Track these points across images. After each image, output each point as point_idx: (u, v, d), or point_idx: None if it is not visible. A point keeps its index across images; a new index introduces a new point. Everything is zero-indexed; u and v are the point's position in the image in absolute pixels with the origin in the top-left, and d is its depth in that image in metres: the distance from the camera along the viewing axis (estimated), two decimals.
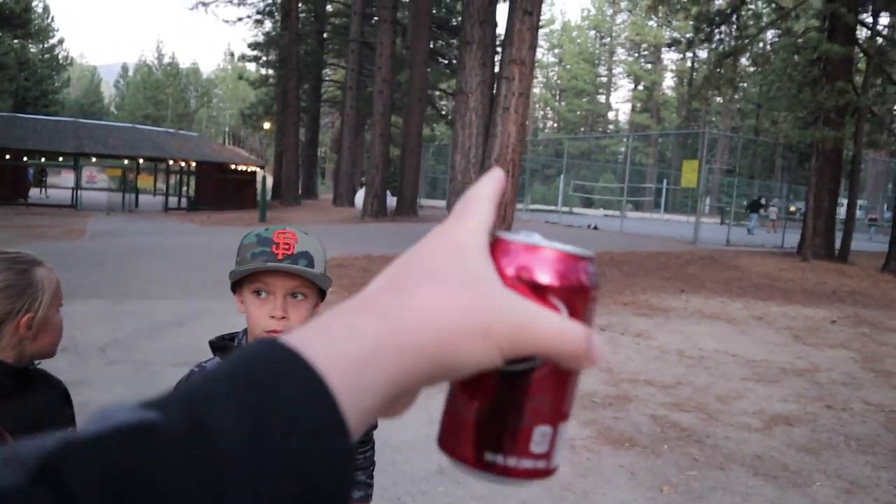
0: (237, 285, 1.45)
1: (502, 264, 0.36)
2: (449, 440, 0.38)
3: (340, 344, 0.31)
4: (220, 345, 1.50)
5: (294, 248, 1.40)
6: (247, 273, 1.40)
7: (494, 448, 0.36)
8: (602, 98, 79.79)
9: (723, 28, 19.68)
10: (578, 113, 76.72)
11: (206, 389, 0.29)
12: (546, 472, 0.37)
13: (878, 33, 19.43)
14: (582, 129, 75.68)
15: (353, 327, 0.32)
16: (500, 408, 0.36)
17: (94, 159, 28.71)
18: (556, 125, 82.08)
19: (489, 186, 0.39)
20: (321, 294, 1.49)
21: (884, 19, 20.97)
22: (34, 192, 29.82)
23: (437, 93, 34.99)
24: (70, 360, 5.53)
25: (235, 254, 1.45)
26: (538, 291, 0.36)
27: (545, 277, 0.36)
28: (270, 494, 0.27)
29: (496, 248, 0.37)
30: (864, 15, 17.93)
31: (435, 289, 0.33)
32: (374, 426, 1.57)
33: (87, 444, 0.26)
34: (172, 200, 28.27)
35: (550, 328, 0.34)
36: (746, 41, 18.85)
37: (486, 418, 0.36)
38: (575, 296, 0.37)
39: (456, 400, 0.37)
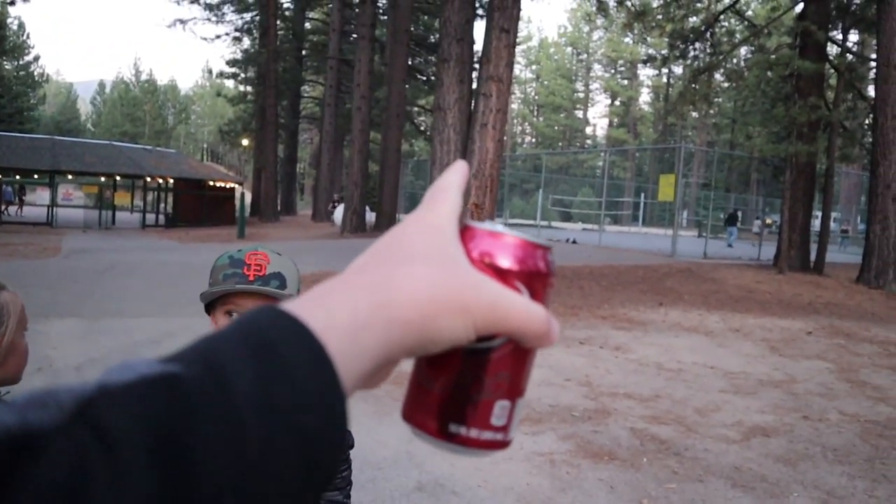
0: (210, 306, 1.45)
1: (469, 248, 0.40)
2: (414, 412, 0.40)
3: (337, 315, 0.34)
4: None
5: (266, 270, 1.40)
6: (217, 295, 1.40)
7: (458, 420, 0.39)
8: (579, 113, 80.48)
9: (697, 45, 19.99)
10: (556, 128, 77.28)
11: (220, 348, 0.31)
12: (503, 444, 0.40)
13: (848, 50, 19.84)
14: (560, 144, 76.23)
15: (348, 300, 0.35)
16: (464, 382, 0.39)
17: (70, 177, 28.44)
18: (534, 140, 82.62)
19: (456, 177, 0.42)
20: None
21: (853, 37, 21.46)
22: (12, 210, 29.50)
23: (416, 109, 35.15)
24: (45, 380, 5.45)
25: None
26: (502, 274, 0.39)
27: (507, 262, 0.39)
28: (279, 448, 0.29)
29: (464, 234, 0.41)
30: (834, 32, 18.31)
31: (417, 268, 0.36)
32: (351, 445, 1.57)
33: (122, 389, 0.28)
34: (150, 217, 28.05)
35: (518, 308, 0.37)
36: (720, 58, 19.15)
37: (451, 392, 0.39)
38: (535, 280, 0.40)
39: (422, 375, 0.40)
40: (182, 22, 35.81)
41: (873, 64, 15.88)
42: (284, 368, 0.31)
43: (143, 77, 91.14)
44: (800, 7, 17.49)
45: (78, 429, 0.26)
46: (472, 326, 0.36)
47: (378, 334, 0.34)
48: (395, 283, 0.36)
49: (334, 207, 27.72)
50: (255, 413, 0.29)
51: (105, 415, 0.27)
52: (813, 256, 16.53)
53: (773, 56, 16.92)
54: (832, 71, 17.29)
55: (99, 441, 0.26)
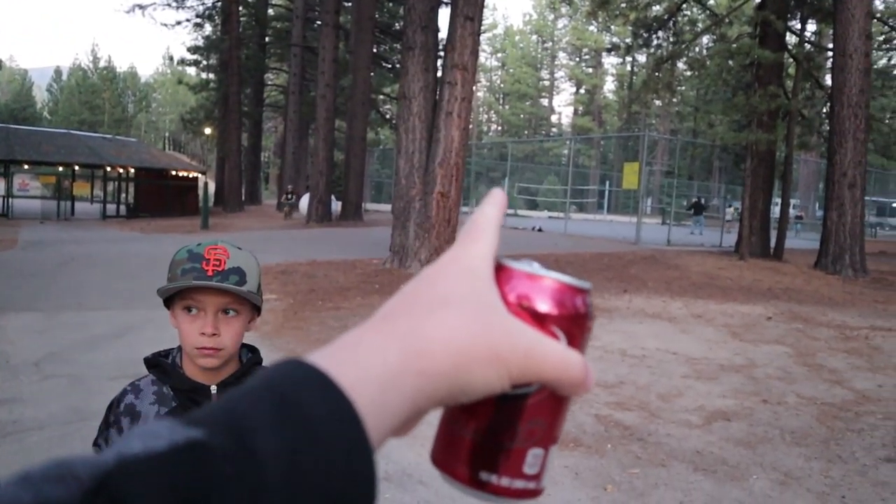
0: (170, 301, 1.43)
1: (505, 290, 0.38)
2: (444, 458, 0.39)
3: (368, 368, 0.33)
4: (154, 362, 1.47)
5: (225, 265, 1.38)
6: (175, 290, 1.38)
7: (489, 468, 0.38)
8: (545, 101, 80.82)
9: (660, 33, 20.19)
10: (522, 116, 77.53)
11: (245, 410, 0.30)
12: (535, 493, 0.39)
13: (806, 40, 20.19)
14: (525, 132, 76.50)
15: (379, 350, 0.33)
16: (497, 429, 0.38)
17: (26, 166, 27.74)
18: (499, 128, 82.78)
19: (493, 210, 0.41)
20: (255, 308, 1.47)
21: (811, 27, 21.83)
22: None
23: (381, 97, 34.94)
24: (2, 375, 5.34)
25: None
26: (539, 319, 0.38)
27: (545, 306, 0.38)
28: None
29: (499, 274, 0.39)
30: (793, 22, 18.61)
31: (450, 315, 0.35)
32: None
33: (143, 461, 0.27)
34: (111, 208, 27.49)
35: (555, 356, 0.36)
36: (683, 46, 19.35)
37: (482, 439, 0.38)
38: (573, 324, 0.39)
39: (453, 420, 0.39)
40: (141, 7, 35.04)
41: (830, 53, 16.19)
42: (312, 431, 0.29)
43: (102, 64, 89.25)
44: None
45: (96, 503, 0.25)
46: (507, 376, 0.35)
47: (408, 386, 0.33)
48: (426, 331, 0.35)
49: (287, 200, 27.21)
50: (282, 481, 0.28)
51: (125, 488, 0.26)
52: (773, 243, 16.88)
53: (734, 45, 17.16)
54: (791, 60, 17.60)
55: None
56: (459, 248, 0.39)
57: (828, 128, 15.79)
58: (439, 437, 0.40)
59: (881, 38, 22.63)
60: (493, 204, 0.41)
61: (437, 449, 0.40)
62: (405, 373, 0.33)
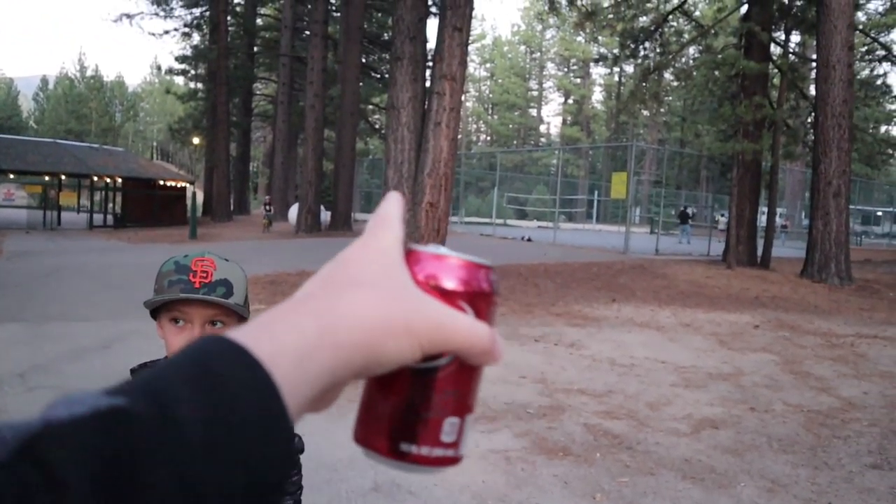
0: (156, 312, 1.43)
1: (415, 271, 0.41)
2: (365, 433, 0.41)
3: (284, 341, 0.34)
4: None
5: (212, 277, 1.38)
6: (161, 303, 1.38)
7: (408, 438, 0.40)
8: (533, 112, 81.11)
9: (647, 44, 20.35)
10: (511, 126, 77.76)
11: (165, 380, 0.31)
12: (454, 460, 0.41)
13: (791, 51, 20.41)
14: (514, 142, 76.71)
15: (295, 326, 0.35)
16: (413, 401, 0.40)
17: (11, 176, 27.55)
18: (489, 138, 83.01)
19: (395, 206, 0.43)
20: (242, 320, 1.47)
21: (795, 38, 22.08)
22: None
23: (370, 107, 34.98)
24: None
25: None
26: (447, 295, 0.40)
27: (451, 283, 0.40)
28: (226, 481, 0.30)
29: (409, 257, 0.41)
30: (777, 33, 18.81)
31: (364, 292, 0.37)
32: (301, 450, 1.56)
33: (67, 424, 0.28)
34: (98, 218, 27.30)
35: (462, 327, 0.39)
36: (669, 57, 19.54)
37: (400, 412, 0.40)
38: (479, 299, 0.41)
39: (372, 396, 0.41)
40: (129, 17, 34.95)
41: (814, 64, 16.36)
42: (230, 399, 0.31)
43: (89, 73, 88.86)
44: (744, 9, 17.95)
45: (22, 466, 0.26)
46: (419, 347, 0.37)
47: (325, 359, 0.35)
48: (341, 307, 0.36)
49: (266, 212, 26.80)
50: (201, 443, 0.29)
51: (49, 451, 0.26)
52: (759, 252, 16.99)
53: (720, 56, 17.35)
54: (776, 71, 17.78)
55: (43, 477, 0.26)
56: (369, 236, 0.41)
57: (813, 138, 15.93)
58: (360, 417, 0.41)
59: (864, 49, 22.89)
60: (393, 202, 0.44)
61: (359, 427, 0.41)
62: (321, 346, 0.35)
